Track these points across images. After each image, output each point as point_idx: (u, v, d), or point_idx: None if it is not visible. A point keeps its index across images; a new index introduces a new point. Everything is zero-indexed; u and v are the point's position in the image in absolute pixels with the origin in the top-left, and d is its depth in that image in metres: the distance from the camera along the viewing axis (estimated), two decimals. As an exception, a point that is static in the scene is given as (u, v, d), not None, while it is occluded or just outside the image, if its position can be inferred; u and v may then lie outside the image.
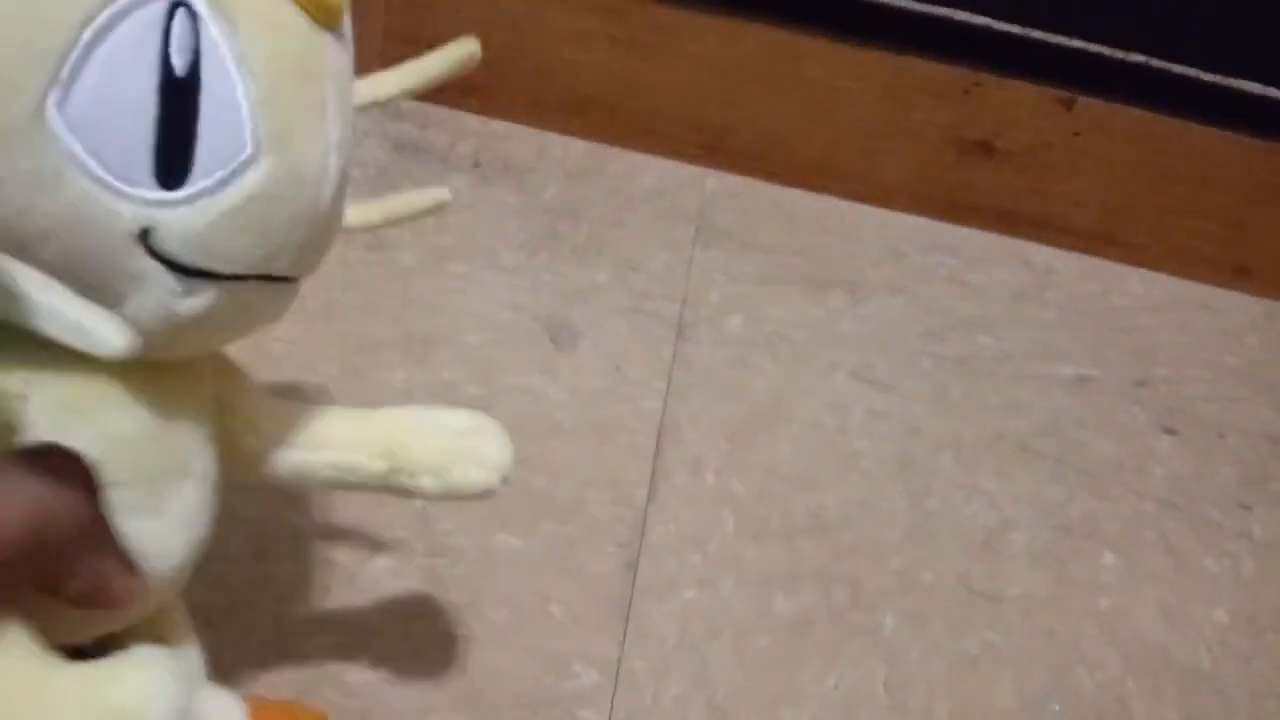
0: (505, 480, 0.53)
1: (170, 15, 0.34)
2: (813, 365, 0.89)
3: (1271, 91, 0.96)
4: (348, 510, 0.71)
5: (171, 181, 0.35)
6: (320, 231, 0.40)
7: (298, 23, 0.37)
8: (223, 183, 0.36)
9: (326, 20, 0.38)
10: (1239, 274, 1.05)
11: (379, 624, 0.67)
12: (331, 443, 0.51)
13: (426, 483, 0.51)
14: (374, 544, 0.70)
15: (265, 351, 0.79)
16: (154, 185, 0.34)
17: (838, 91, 1.00)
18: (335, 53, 0.40)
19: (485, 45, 0.47)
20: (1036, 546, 0.80)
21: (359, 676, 0.64)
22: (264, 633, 0.65)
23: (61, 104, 0.32)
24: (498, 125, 1.03)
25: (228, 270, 0.37)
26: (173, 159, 0.35)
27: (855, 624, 0.73)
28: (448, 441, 0.52)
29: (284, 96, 0.37)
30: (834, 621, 0.73)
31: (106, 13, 0.32)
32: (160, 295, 0.36)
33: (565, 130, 1.05)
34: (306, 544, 0.69)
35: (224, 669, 0.62)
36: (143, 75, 0.33)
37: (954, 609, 0.75)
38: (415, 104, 1.03)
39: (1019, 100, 0.99)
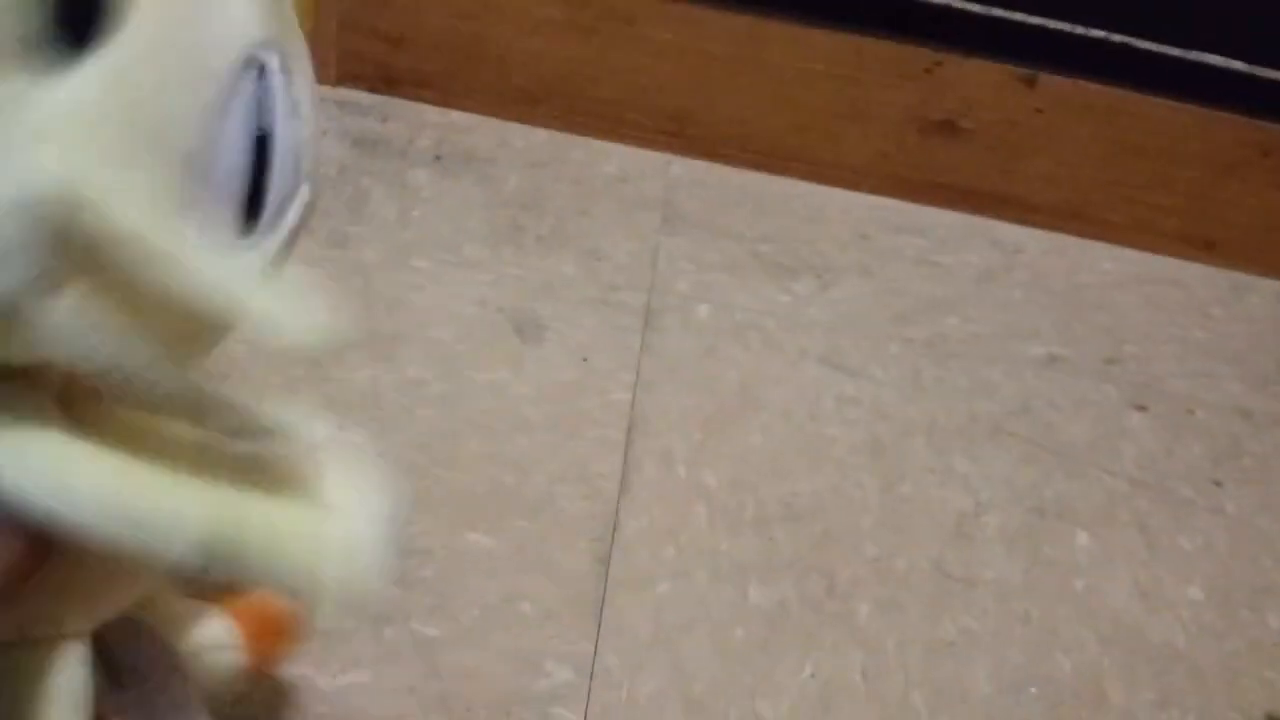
0: None
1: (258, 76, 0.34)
2: (782, 353, 0.88)
3: (1233, 64, 0.96)
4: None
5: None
6: None
7: None
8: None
9: None
10: (1205, 247, 1.05)
11: (349, 628, 0.66)
12: None
13: None
14: (342, 548, 0.69)
15: (228, 354, 0.78)
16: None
17: (800, 74, 1.00)
18: None
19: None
20: (1010, 529, 0.80)
21: (330, 683, 0.63)
22: (231, 642, 0.64)
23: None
24: (458, 116, 1.02)
25: None
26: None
27: (831, 613, 0.73)
28: None
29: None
30: (810, 611, 0.72)
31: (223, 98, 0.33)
32: None
33: (526, 120, 1.03)
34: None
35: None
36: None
37: (929, 595, 0.75)
38: (375, 97, 1.02)
39: (981, 79, 0.98)
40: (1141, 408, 0.90)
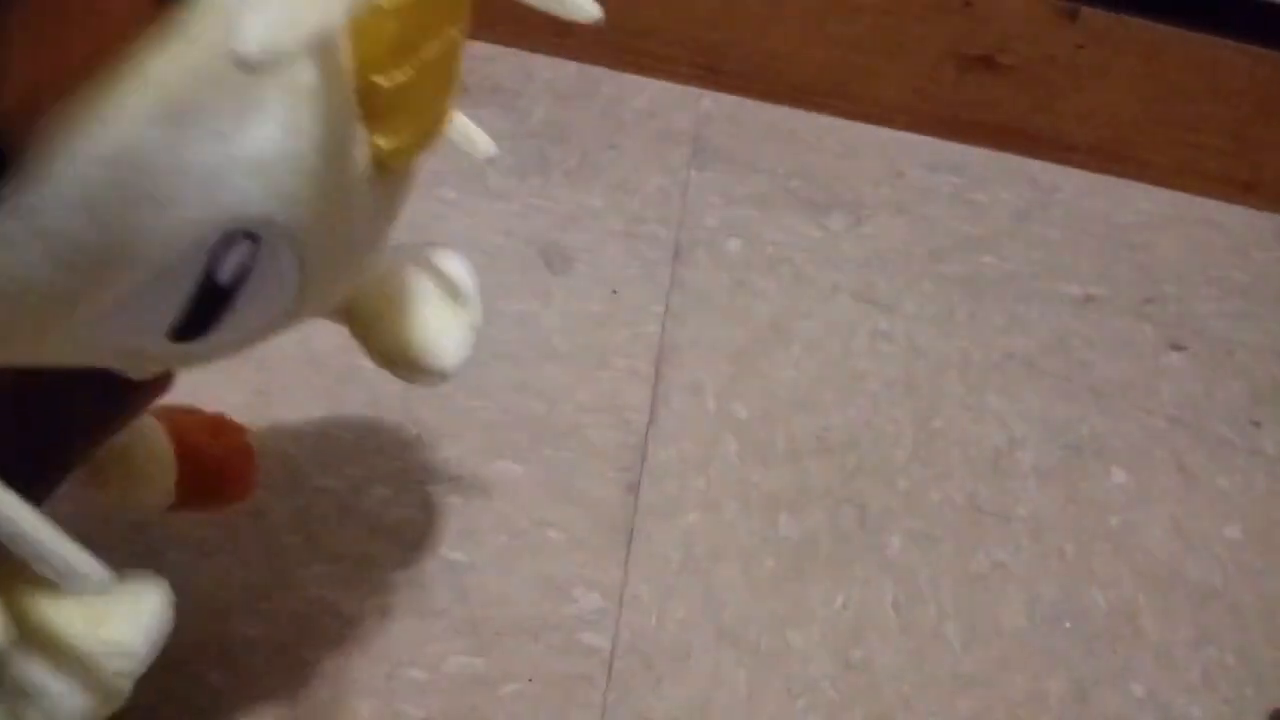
0: None
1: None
2: (814, 287, 0.86)
3: (1281, -2, 0.93)
4: (343, 438, 0.69)
5: None
6: None
7: None
8: None
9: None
10: (1246, 189, 1.03)
11: (377, 553, 0.65)
12: None
13: None
14: (370, 472, 0.68)
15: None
16: None
17: (835, 8, 0.97)
18: None
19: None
20: (1045, 465, 0.78)
21: (356, 607, 0.63)
22: (259, 564, 0.63)
23: None
24: (483, 47, 1.00)
25: None
26: None
27: (862, 544, 0.71)
28: None
29: None
30: (841, 542, 0.71)
31: None
32: None
33: (554, 51, 1.01)
34: (301, 473, 0.68)
35: (219, 601, 0.61)
36: None
37: (962, 529, 0.74)
38: (400, 27, 1.00)
39: (1020, 12, 0.96)
40: (1179, 347, 0.89)
